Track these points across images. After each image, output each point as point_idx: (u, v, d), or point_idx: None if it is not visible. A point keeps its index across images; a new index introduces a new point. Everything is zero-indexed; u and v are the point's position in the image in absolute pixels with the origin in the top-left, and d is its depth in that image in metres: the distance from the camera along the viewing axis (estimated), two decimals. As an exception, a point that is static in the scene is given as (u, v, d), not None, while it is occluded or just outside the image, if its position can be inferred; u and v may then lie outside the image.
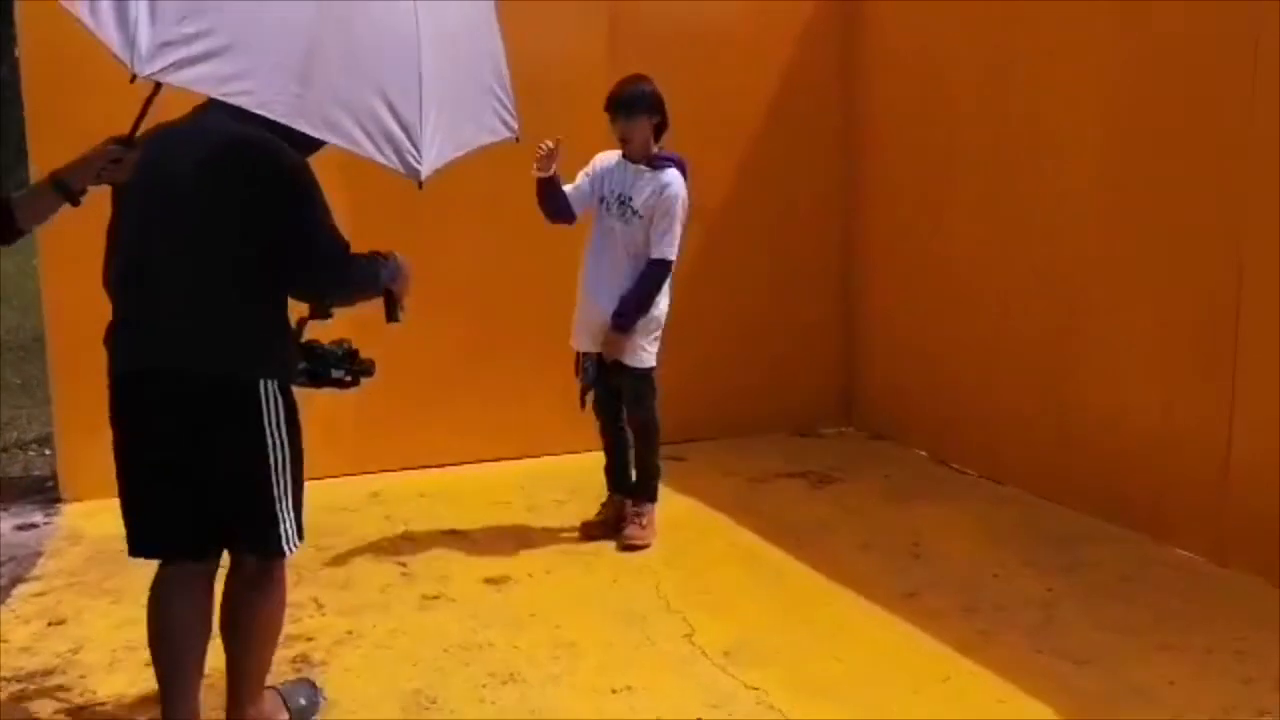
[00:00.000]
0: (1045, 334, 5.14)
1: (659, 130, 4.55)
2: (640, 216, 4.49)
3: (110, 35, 2.48)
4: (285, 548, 2.93)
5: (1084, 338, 4.93)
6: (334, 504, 5.19)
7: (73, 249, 5.29)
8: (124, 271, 2.88)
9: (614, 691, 3.41)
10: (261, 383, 2.83)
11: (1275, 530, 4.06)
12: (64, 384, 5.30)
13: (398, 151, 2.71)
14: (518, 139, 3.18)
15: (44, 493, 5.49)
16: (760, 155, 6.20)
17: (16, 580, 4.37)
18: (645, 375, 4.62)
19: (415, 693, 3.40)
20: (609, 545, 4.65)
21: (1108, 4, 4.72)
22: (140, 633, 3.79)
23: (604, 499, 4.87)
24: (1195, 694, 3.33)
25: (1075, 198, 4.91)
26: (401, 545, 4.70)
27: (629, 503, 4.75)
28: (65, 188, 2.78)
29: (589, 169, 4.62)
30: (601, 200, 4.58)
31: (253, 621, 3.00)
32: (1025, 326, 5.26)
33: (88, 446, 5.43)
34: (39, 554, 4.67)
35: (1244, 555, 4.21)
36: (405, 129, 2.72)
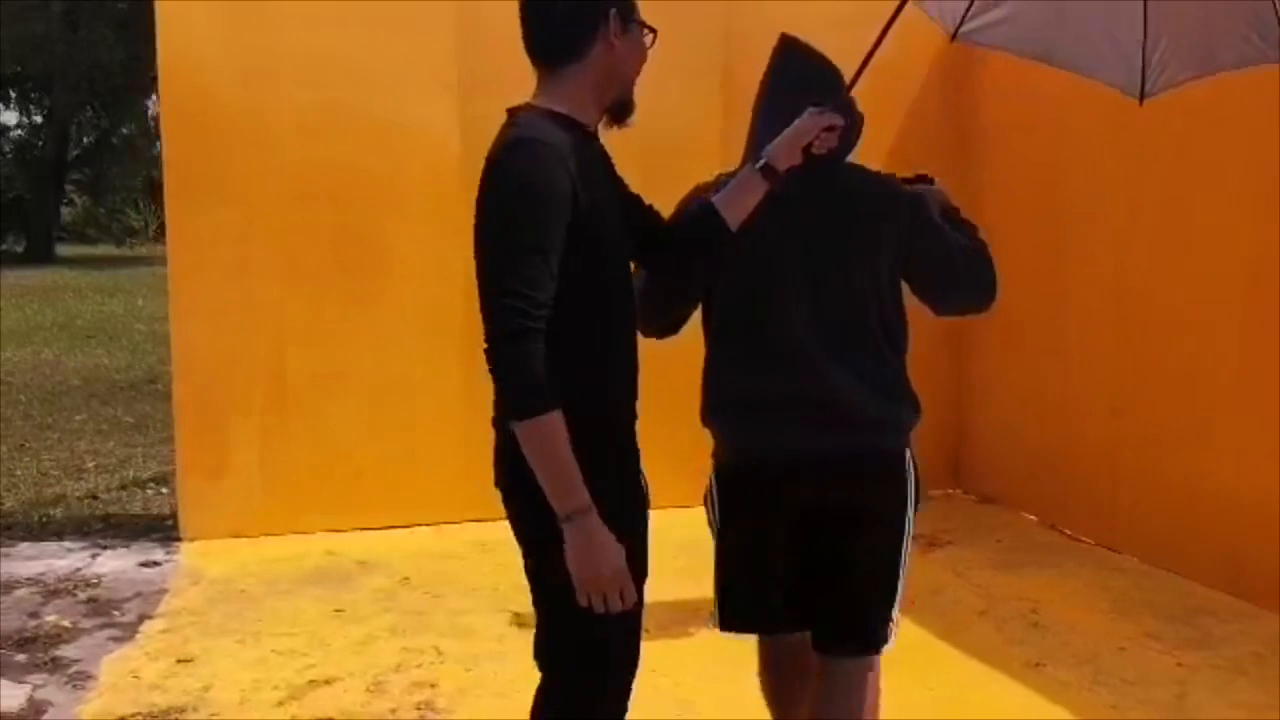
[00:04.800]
0: (1166, 402, 5.05)
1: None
2: None
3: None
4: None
5: (1207, 408, 4.83)
6: (445, 551, 5.26)
7: (201, 290, 5.52)
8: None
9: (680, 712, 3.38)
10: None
11: None
12: (187, 425, 5.43)
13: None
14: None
15: (163, 531, 5.63)
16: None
17: (143, 617, 4.48)
18: None
19: (541, 745, 3.40)
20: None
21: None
22: (267, 672, 3.92)
23: None
24: (1346, 780, 3.22)
25: (1203, 266, 4.84)
26: (514, 595, 4.72)
27: None
28: (775, 173, 2.41)
29: None
30: None
31: None
32: (1146, 393, 5.17)
33: (207, 487, 5.62)
34: (164, 591, 4.78)
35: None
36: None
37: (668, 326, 2.68)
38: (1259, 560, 4.59)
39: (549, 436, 2.05)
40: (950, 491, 6.43)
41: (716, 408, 2.60)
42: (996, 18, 2.89)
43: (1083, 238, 5.54)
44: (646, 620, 2.34)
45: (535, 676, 3.87)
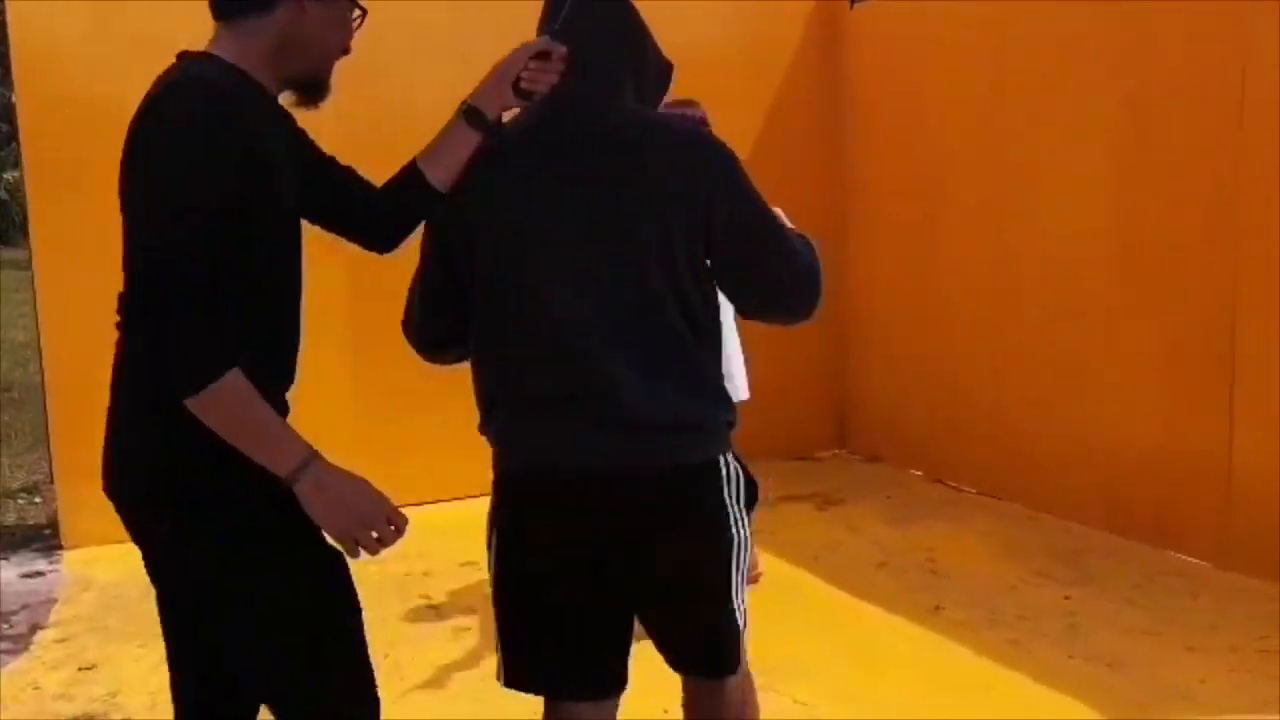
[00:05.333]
0: (1043, 354, 5.29)
1: None
2: None
3: None
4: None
5: (1083, 356, 5.08)
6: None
7: (70, 289, 5.30)
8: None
9: (665, 711, 3.43)
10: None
11: (1276, 534, 4.21)
12: (63, 431, 5.23)
13: None
14: None
15: (42, 540, 5.42)
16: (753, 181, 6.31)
17: (35, 627, 4.31)
18: None
19: (468, 722, 3.41)
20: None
21: (1104, 38, 4.91)
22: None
23: None
24: (1231, 691, 3.45)
25: (1074, 219, 5.08)
26: (424, 580, 4.69)
27: None
28: (482, 119, 2.06)
29: None
30: None
31: None
32: (1022, 346, 5.40)
33: (87, 492, 5.41)
34: (53, 600, 4.60)
35: (1248, 559, 4.35)
36: None
37: (442, 337, 2.19)
38: (1135, 499, 4.86)
39: (237, 396, 1.77)
40: (837, 452, 6.61)
41: (489, 412, 2.10)
42: None
43: (959, 196, 5.74)
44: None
45: (454, 656, 3.90)
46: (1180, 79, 4.56)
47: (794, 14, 6.37)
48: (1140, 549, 4.74)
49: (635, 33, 2.13)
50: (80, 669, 3.89)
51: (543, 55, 2.04)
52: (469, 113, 2.06)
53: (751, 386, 6.72)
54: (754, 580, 4.57)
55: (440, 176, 2.07)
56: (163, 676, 3.74)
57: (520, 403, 2.05)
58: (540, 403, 2.03)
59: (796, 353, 6.48)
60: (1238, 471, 4.39)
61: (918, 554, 4.82)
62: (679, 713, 3.38)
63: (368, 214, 2.14)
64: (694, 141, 2.06)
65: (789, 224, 2.22)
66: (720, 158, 2.04)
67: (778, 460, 6.32)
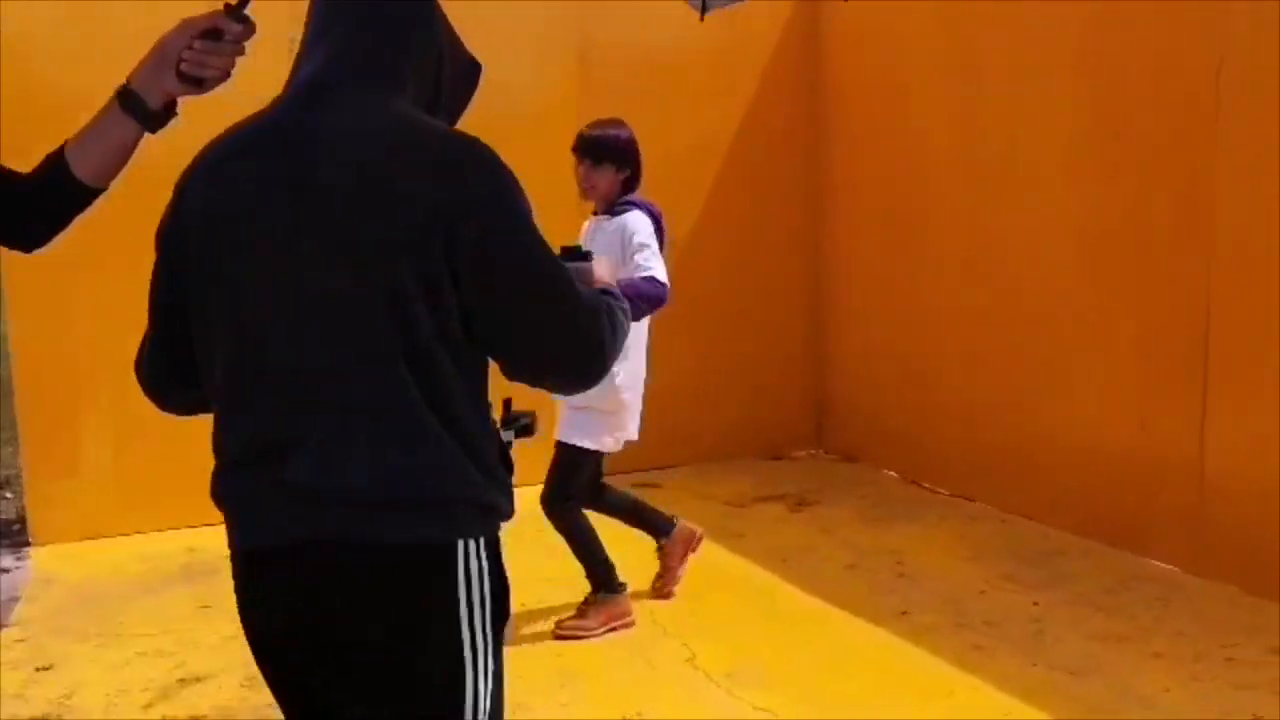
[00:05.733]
0: (1017, 355, 5.26)
1: (628, 184, 4.04)
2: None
3: None
4: None
5: (1056, 358, 5.06)
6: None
7: (40, 283, 5.25)
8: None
9: (625, 718, 3.42)
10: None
11: (1247, 540, 4.20)
12: (32, 427, 5.18)
13: None
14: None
15: (10, 536, 5.37)
16: (729, 181, 6.29)
17: (-3, 626, 4.28)
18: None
19: None
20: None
21: (1079, 35, 4.88)
22: (133, 675, 3.78)
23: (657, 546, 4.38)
24: (1193, 700, 3.43)
25: (1048, 222, 5.05)
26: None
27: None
28: (138, 105, 1.75)
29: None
30: None
31: None
32: (997, 347, 5.38)
33: (57, 488, 5.39)
34: (15, 599, 4.56)
35: (1219, 565, 4.33)
36: None
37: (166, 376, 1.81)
38: (1107, 502, 4.84)
39: None
40: (813, 452, 6.59)
41: (216, 470, 1.74)
42: None
43: (931, 199, 5.71)
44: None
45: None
46: (1154, 74, 4.53)
47: (773, 13, 6.34)
48: (1111, 553, 4.72)
49: (417, 22, 1.75)
50: (38, 669, 3.86)
51: (212, 34, 1.72)
52: (124, 95, 1.74)
53: (727, 386, 6.67)
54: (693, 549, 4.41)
55: (87, 169, 1.77)
56: (122, 676, 3.77)
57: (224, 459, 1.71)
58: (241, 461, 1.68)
59: (773, 351, 6.47)
60: (1210, 475, 4.38)
61: (888, 556, 4.80)
62: (651, 713, 3.39)
63: (7, 208, 1.80)
64: (452, 154, 1.64)
65: (606, 278, 1.87)
66: (484, 176, 1.63)
67: (752, 459, 6.32)
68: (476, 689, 1.64)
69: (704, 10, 2.83)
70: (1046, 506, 5.10)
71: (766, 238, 6.45)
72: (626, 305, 1.81)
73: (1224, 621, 3.99)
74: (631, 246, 3.89)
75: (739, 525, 5.26)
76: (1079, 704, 3.42)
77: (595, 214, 4.14)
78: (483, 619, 1.65)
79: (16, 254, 1.89)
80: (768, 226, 6.45)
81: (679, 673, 3.72)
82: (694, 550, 4.43)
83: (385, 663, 1.62)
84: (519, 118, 5.23)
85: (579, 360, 1.70)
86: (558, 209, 5.71)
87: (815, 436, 6.63)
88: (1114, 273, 4.76)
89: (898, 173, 5.93)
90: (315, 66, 1.70)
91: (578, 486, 4.09)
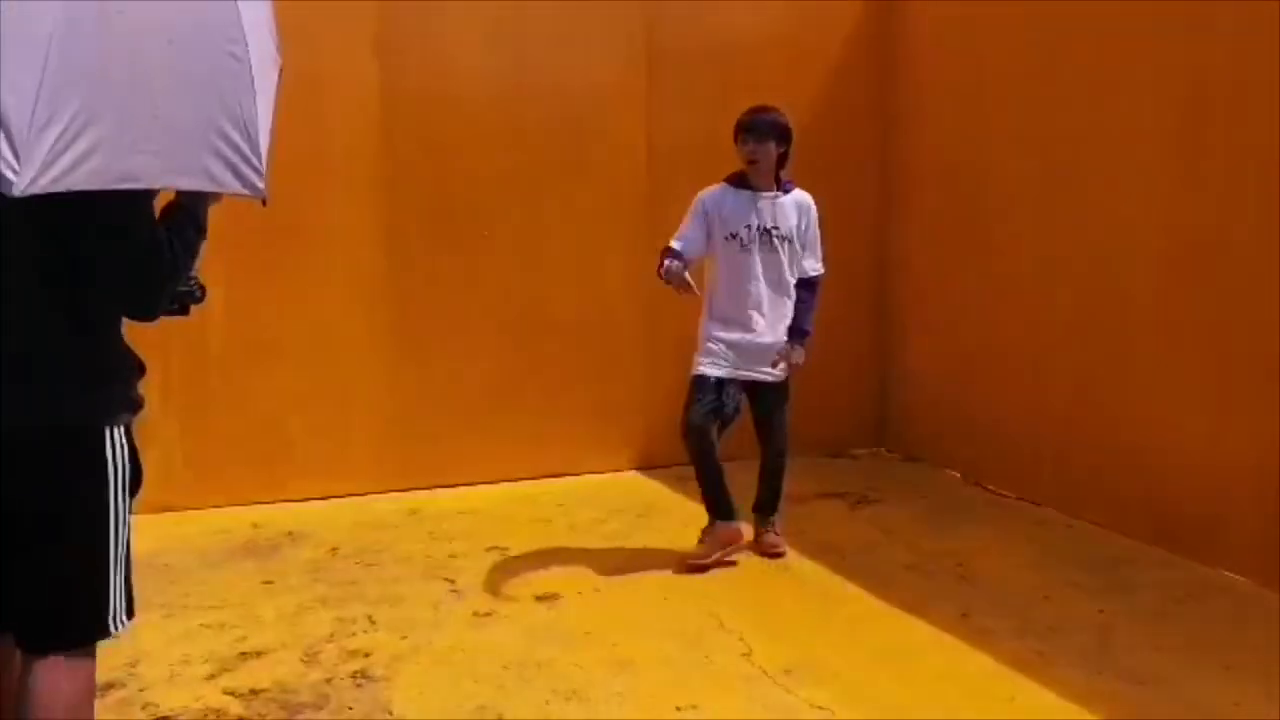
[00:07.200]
0: (1089, 358, 5.16)
1: (782, 160, 4.69)
2: (789, 241, 4.67)
3: None
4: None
5: (1129, 362, 4.94)
6: (375, 520, 5.21)
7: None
8: None
9: (678, 709, 3.40)
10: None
11: (1326, 554, 4.08)
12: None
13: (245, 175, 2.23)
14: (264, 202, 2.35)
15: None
16: (797, 177, 6.16)
17: (64, 594, 4.36)
18: (785, 383, 4.80)
19: (480, 708, 3.39)
20: (655, 565, 4.65)
21: (1162, 32, 4.76)
22: (196, 646, 3.84)
23: (704, 525, 4.67)
24: (1266, 717, 3.33)
25: (1126, 226, 4.94)
26: (448, 563, 4.69)
27: (761, 518, 4.87)
28: None
29: (697, 212, 4.60)
30: (732, 237, 4.60)
31: None
32: (1068, 350, 5.28)
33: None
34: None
35: (1294, 578, 4.22)
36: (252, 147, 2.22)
37: None
38: (1178, 510, 4.72)
39: None
40: (876, 451, 6.53)
41: None
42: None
43: (1004, 196, 5.62)
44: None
45: (475, 640, 3.89)
46: (1239, 75, 4.40)
47: (845, 9, 6.29)
48: (1183, 563, 4.61)
49: None
50: (104, 637, 3.92)
51: None
52: None
53: (791, 382, 6.65)
54: (779, 554, 4.75)
55: None
56: (185, 647, 3.82)
57: None
58: None
59: (837, 348, 6.39)
60: (1286, 487, 4.26)
61: (949, 558, 4.73)
62: (706, 707, 3.37)
63: None
64: None
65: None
66: None
67: (814, 457, 6.26)
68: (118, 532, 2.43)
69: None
70: (1115, 513, 5.00)
71: (835, 235, 6.34)
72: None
73: (1298, 637, 3.88)
74: (812, 230, 4.77)
75: (798, 522, 5.21)
76: (1145, 714, 3.34)
77: (753, 189, 4.66)
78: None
79: None
80: (836, 224, 6.34)
81: (735, 667, 3.69)
82: (729, 555, 4.64)
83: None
84: (592, 94, 5.26)
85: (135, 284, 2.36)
86: (626, 201, 5.76)
87: (878, 435, 6.56)
88: (1191, 278, 4.64)
89: (971, 171, 5.84)
90: None
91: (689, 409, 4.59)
